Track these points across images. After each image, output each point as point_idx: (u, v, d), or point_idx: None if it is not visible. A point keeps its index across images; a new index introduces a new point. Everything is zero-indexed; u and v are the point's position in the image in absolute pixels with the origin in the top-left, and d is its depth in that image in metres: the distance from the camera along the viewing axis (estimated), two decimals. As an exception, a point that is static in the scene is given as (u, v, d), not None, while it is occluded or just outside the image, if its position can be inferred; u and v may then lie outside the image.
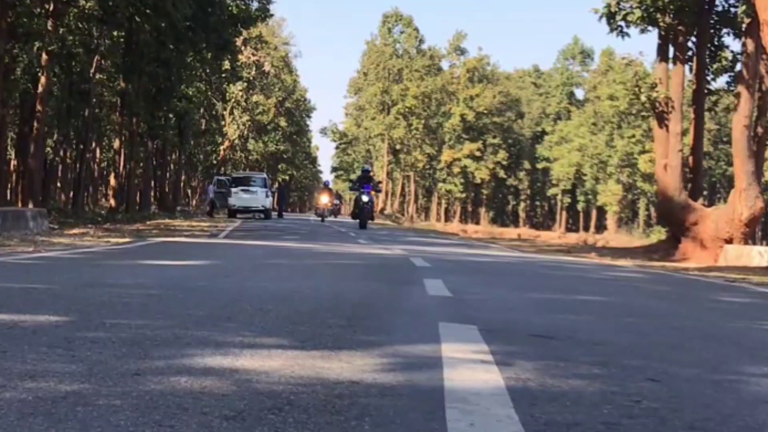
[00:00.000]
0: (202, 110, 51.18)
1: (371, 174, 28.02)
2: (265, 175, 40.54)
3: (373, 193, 26.20)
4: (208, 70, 40.93)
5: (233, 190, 36.52)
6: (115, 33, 33.38)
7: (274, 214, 39.42)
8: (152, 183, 45.19)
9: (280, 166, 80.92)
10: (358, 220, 26.00)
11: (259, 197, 36.08)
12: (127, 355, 3.00)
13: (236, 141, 66.42)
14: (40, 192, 27.40)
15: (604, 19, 24.20)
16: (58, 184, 46.90)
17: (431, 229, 43.06)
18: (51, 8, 25.63)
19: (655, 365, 3.44)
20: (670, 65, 24.07)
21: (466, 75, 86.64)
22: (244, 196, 36.02)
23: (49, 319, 3.86)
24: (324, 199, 38.88)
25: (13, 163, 39.09)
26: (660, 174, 23.92)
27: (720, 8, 24.88)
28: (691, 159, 25.30)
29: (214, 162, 62.44)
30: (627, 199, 77.45)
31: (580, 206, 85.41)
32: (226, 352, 3.15)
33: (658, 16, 23.44)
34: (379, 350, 3.37)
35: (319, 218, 37.47)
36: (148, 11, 29.19)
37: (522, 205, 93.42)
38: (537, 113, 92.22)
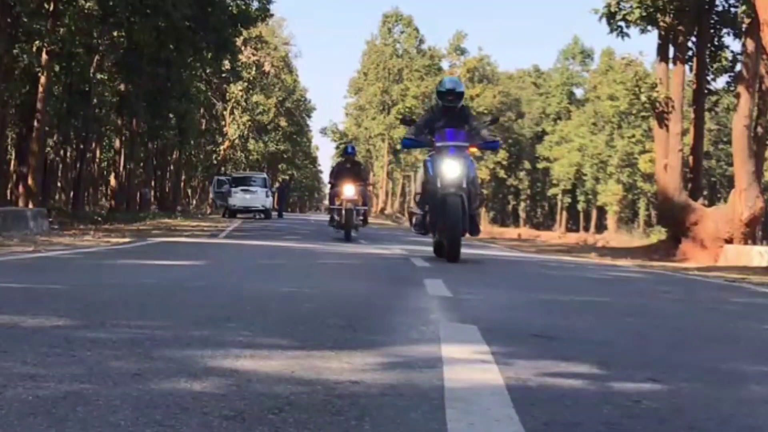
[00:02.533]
0: (202, 110, 51.18)
1: (463, 103, 10.54)
2: (265, 175, 40.60)
3: (473, 151, 10.26)
4: (208, 70, 40.94)
5: (233, 189, 36.55)
6: (115, 33, 33.37)
7: (274, 213, 39.39)
8: (152, 183, 45.19)
9: (280, 166, 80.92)
10: (433, 243, 10.72)
11: (260, 197, 36.12)
12: (127, 355, 3.00)
13: (236, 141, 66.40)
14: (40, 192, 27.39)
15: (604, 20, 24.22)
16: (58, 184, 46.89)
17: (431, 229, 42.98)
18: (51, 8, 25.62)
19: (655, 365, 3.43)
20: (670, 65, 24.09)
21: (466, 75, 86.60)
22: (244, 196, 36.05)
23: (49, 319, 3.86)
24: (349, 190, 18.07)
25: (13, 163, 39.09)
26: (660, 174, 23.92)
27: (720, 8, 24.88)
28: (691, 159, 25.31)
29: (214, 162, 62.44)
30: (627, 199, 77.40)
31: (580, 206, 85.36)
32: (227, 352, 3.15)
33: (658, 16, 23.45)
34: (379, 350, 3.36)
35: (340, 228, 18.12)
36: (148, 11, 29.19)
37: (522, 205, 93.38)
38: (537, 113, 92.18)
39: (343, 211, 17.95)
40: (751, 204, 20.34)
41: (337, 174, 18.82)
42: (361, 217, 18.76)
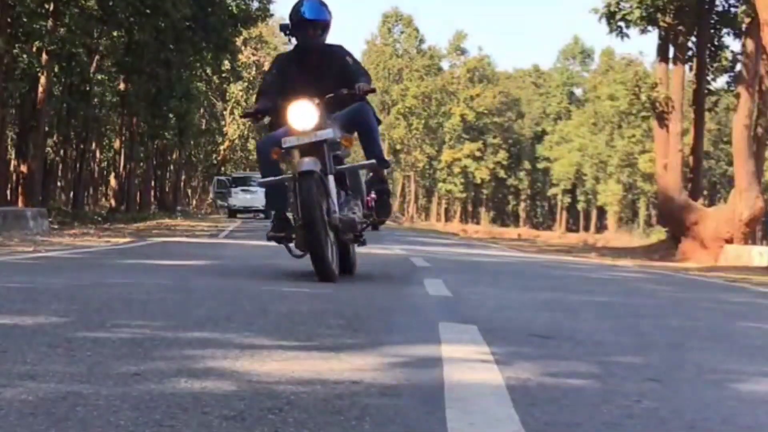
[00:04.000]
0: (202, 110, 51.18)
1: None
2: (265, 176, 40.58)
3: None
4: (208, 70, 40.94)
5: (233, 190, 36.61)
6: (115, 33, 33.38)
7: None
8: (152, 183, 45.21)
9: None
10: None
11: (260, 197, 36.09)
12: (127, 355, 3.00)
13: (236, 141, 66.41)
14: (40, 192, 27.40)
15: (604, 20, 24.23)
16: (58, 184, 46.90)
17: (431, 229, 43.06)
18: (51, 8, 25.63)
19: (655, 365, 3.44)
20: (670, 65, 24.10)
21: (466, 75, 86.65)
22: (244, 196, 36.08)
23: (49, 319, 3.86)
24: (304, 118, 6.05)
25: (13, 163, 39.09)
26: (660, 174, 23.95)
27: (720, 8, 24.91)
28: (691, 159, 25.32)
29: (214, 162, 62.43)
30: (627, 199, 77.46)
31: (580, 206, 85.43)
32: (226, 352, 3.15)
33: (658, 16, 23.46)
34: (379, 350, 3.36)
35: (294, 244, 6.56)
36: (148, 11, 29.19)
37: (522, 205, 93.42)
38: (537, 113, 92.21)
39: (296, 187, 6.18)
40: (751, 204, 20.34)
41: (276, 81, 6.81)
42: (359, 207, 6.78)
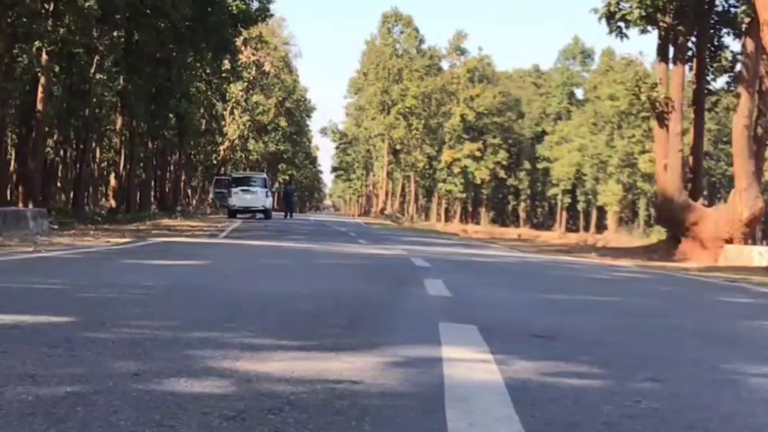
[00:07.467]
0: (202, 110, 51.12)
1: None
2: (265, 175, 40.59)
3: None
4: (208, 70, 40.90)
5: (233, 190, 36.59)
6: (115, 33, 33.35)
7: (280, 215, 39.35)
8: (152, 183, 45.18)
9: (280, 166, 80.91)
10: None
11: (259, 197, 36.11)
12: (127, 355, 3.00)
13: (236, 141, 66.35)
14: (40, 192, 27.39)
15: (604, 20, 24.21)
16: (58, 184, 46.86)
17: (431, 229, 43.05)
18: (51, 8, 25.62)
19: (655, 365, 3.44)
20: (670, 65, 24.07)
21: (466, 75, 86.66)
22: (244, 196, 36.05)
23: (49, 319, 3.86)
24: None
25: (13, 163, 39.07)
26: (660, 174, 23.92)
27: (720, 8, 24.87)
28: (691, 159, 25.29)
29: (214, 162, 62.39)
30: (627, 199, 77.43)
31: (580, 206, 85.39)
32: (227, 352, 3.15)
33: (658, 16, 23.44)
34: (379, 350, 3.36)
35: None
36: (147, 11, 29.18)
37: (522, 205, 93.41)
38: (537, 113, 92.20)
39: None
40: (751, 204, 20.31)
41: None
42: None
